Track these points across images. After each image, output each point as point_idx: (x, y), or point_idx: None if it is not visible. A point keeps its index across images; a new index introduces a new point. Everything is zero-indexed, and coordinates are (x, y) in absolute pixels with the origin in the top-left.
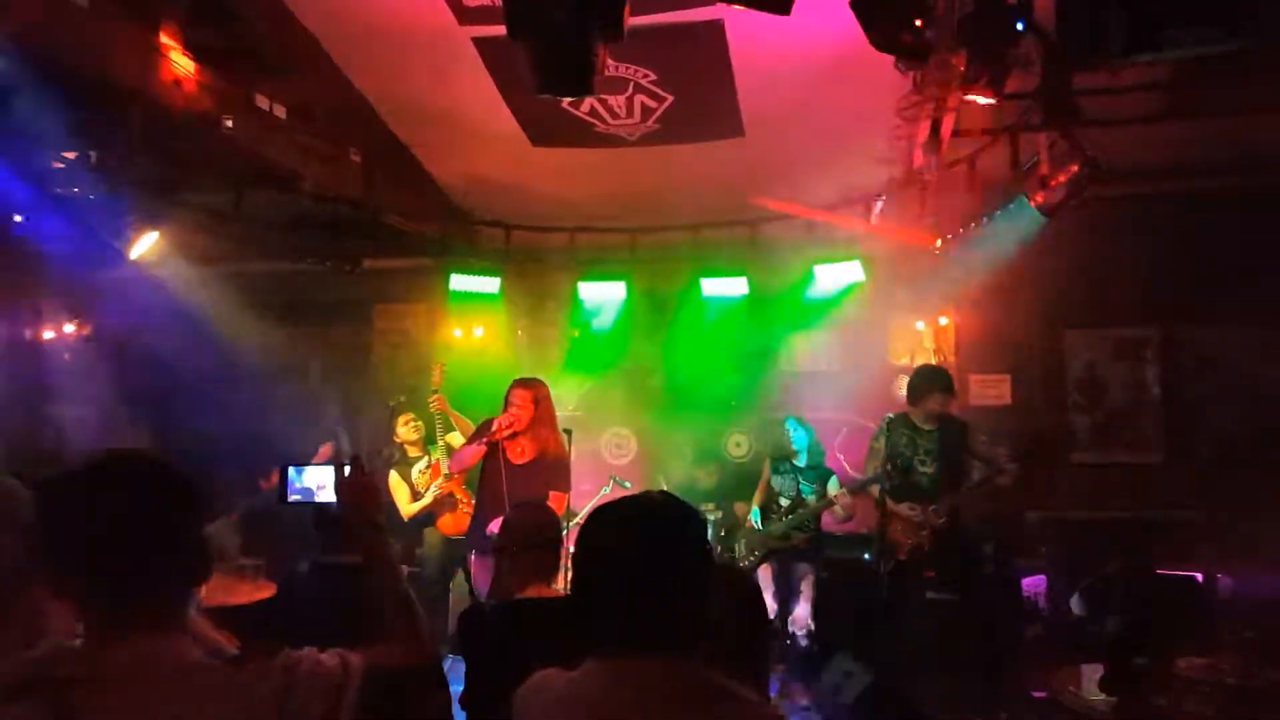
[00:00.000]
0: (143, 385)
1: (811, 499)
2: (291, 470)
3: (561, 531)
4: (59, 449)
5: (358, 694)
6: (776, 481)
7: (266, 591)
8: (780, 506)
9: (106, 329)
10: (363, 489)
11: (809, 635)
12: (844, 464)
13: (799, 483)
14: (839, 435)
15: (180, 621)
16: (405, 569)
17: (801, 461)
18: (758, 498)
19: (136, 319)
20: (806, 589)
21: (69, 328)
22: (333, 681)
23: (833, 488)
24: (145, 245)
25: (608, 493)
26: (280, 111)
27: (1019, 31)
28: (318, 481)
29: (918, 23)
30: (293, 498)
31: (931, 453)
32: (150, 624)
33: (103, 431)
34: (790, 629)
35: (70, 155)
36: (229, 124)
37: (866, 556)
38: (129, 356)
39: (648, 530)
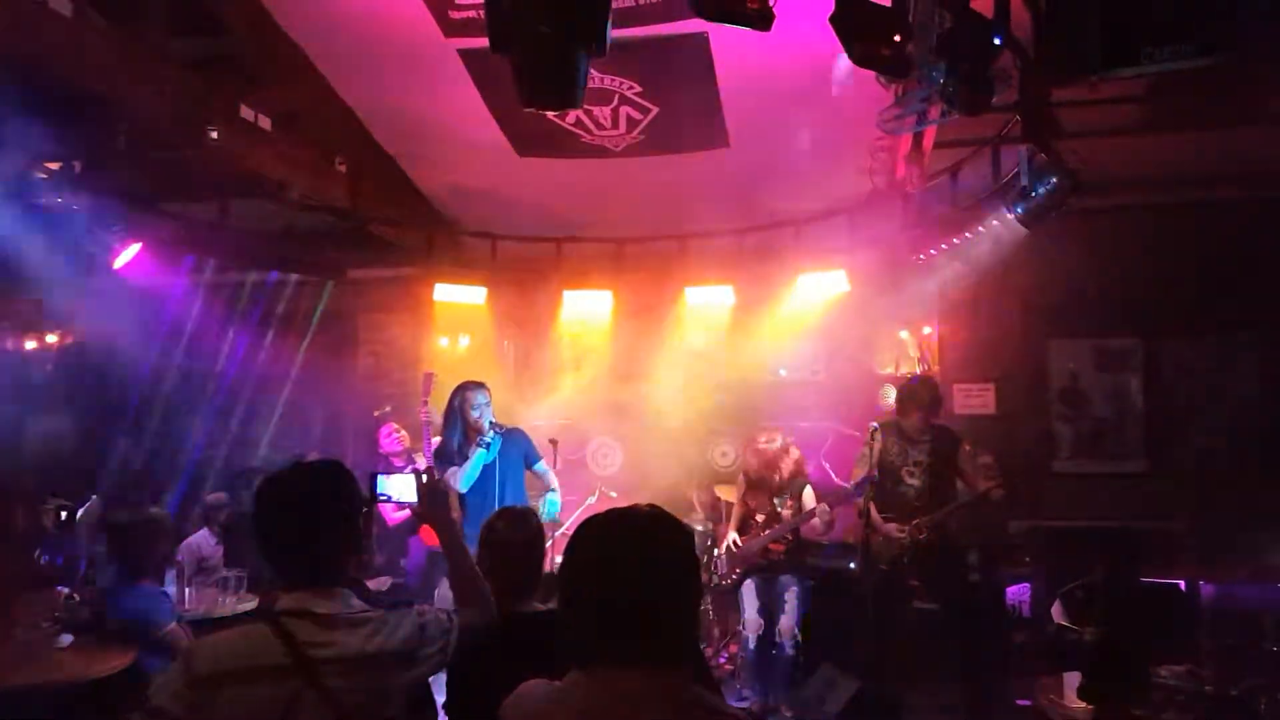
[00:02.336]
0: (126, 395)
1: (786, 513)
2: (379, 478)
3: (544, 544)
4: (40, 459)
5: (457, 639)
6: (750, 498)
7: (249, 604)
8: (756, 523)
9: (89, 339)
10: (438, 491)
11: (795, 645)
12: (829, 471)
13: (773, 498)
14: (824, 444)
15: (343, 578)
16: (389, 580)
17: (775, 476)
18: (735, 517)
19: (120, 329)
20: (791, 600)
21: (51, 338)
22: (445, 626)
23: (807, 497)
24: (129, 255)
25: (593, 503)
26: (266, 122)
27: (997, 46)
28: (399, 486)
29: (896, 38)
30: (380, 499)
31: (921, 464)
32: (330, 580)
33: (84, 441)
34: (778, 639)
35: (54, 165)
36: (214, 134)
37: (852, 566)
38: (112, 367)
39: (636, 543)
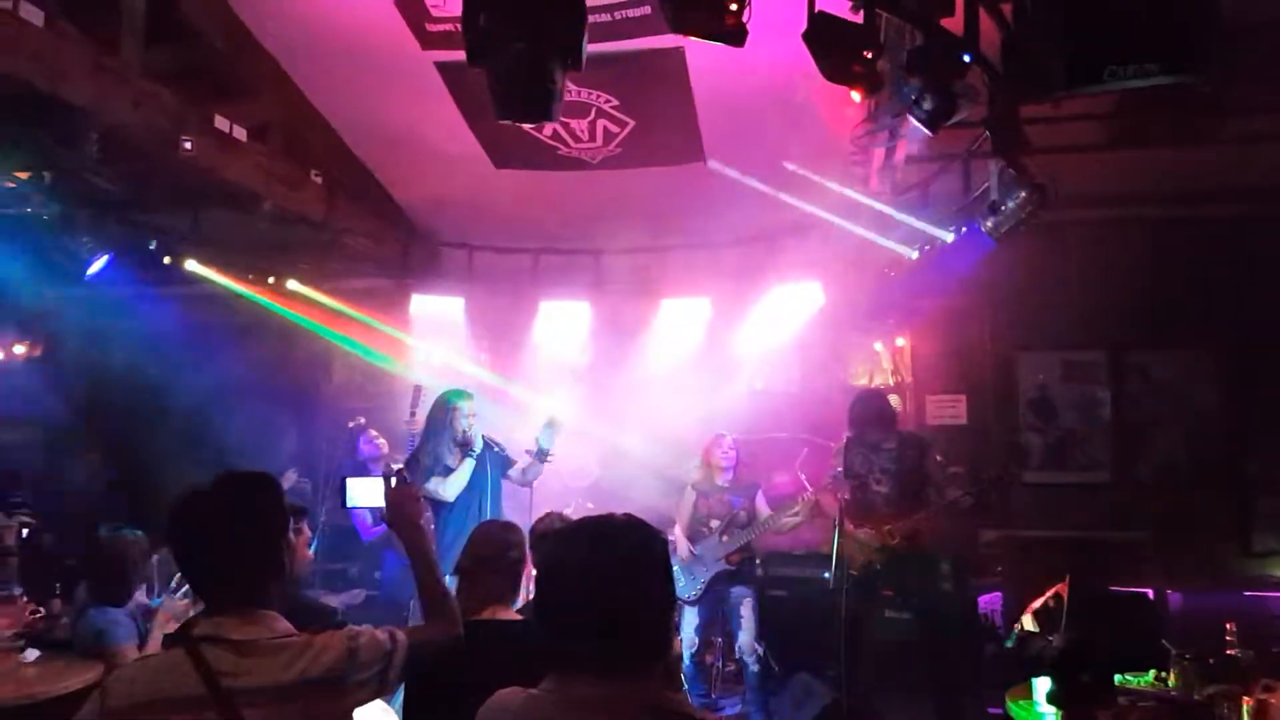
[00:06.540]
0: (96, 406)
1: (743, 515)
2: (349, 481)
3: (525, 552)
4: (4, 473)
5: (404, 658)
6: (703, 504)
7: None
8: (711, 529)
9: (59, 350)
10: (407, 497)
11: (759, 660)
12: (805, 482)
13: (727, 502)
14: (800, 455)
15: (269, 601)
16: (362, 593)
17: (726, 480)
18: (682, 525)
19: (90, 340)
20: (747, 613)
21: (19, 349)
22: (384, 648)
23: (760, 501)
24: (99, 265)
25: (570, 513)
26: (241, 133)
27: (966, 63)
28: (367, 491)
29: (868, 55)
30: (350, 504)
31: (887, 471)
32: (249, 601)
33: (52, 453)
34: (739, 657)
35: (22, 175)
36: (188, 145)
37: (826, 575)
38: (82, 377)
39: (610, 552)
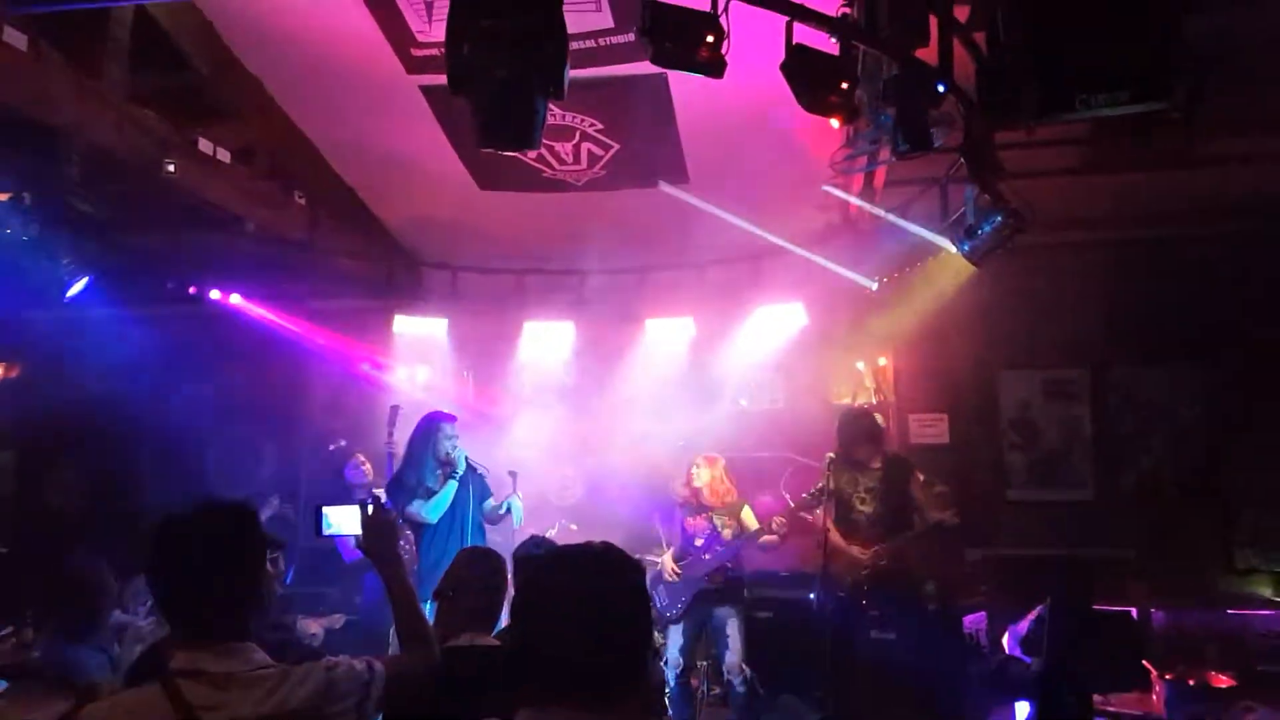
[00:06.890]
0: (73, 428)
1: (727, 534)
2: (325, 509)
3: (505, 579)
4: None
5: (383, 689)
6: (689, 524)
7: None
8: (695, 548)
9: (36, 371)
10: (383, 524)
11: (746, 681)
12: (789, 500)
13: (711, 520)
14: (784, 473)
15: (246, 632)
16: (342, 618)
17: (710, 500)
18: (672, 545)
19: (68, 361)
20: (733, 633)
21: None
22: (362, 679)
23: (746, 516)
24: (79, 287)
25: (554, 534)
26: (225, 155)
27: (941, 93)
28: (344, 519)
29: (844, 85)
30: (326, 532)
31: (873, 491)
32: (228, 634)
33: (28, 476)
34: (726, 678)
35: (2, 196)
36: (171, 167)
37: (811, 596)
38: (60, 399)
39: (586, 580)
